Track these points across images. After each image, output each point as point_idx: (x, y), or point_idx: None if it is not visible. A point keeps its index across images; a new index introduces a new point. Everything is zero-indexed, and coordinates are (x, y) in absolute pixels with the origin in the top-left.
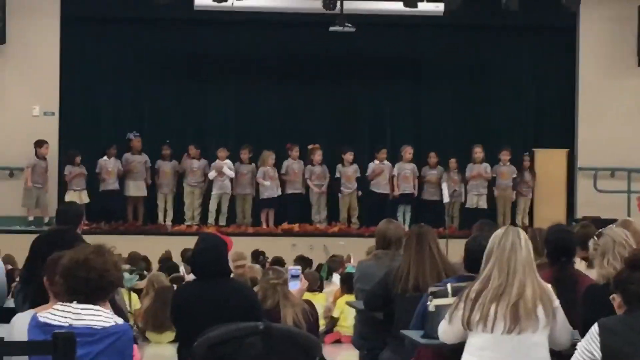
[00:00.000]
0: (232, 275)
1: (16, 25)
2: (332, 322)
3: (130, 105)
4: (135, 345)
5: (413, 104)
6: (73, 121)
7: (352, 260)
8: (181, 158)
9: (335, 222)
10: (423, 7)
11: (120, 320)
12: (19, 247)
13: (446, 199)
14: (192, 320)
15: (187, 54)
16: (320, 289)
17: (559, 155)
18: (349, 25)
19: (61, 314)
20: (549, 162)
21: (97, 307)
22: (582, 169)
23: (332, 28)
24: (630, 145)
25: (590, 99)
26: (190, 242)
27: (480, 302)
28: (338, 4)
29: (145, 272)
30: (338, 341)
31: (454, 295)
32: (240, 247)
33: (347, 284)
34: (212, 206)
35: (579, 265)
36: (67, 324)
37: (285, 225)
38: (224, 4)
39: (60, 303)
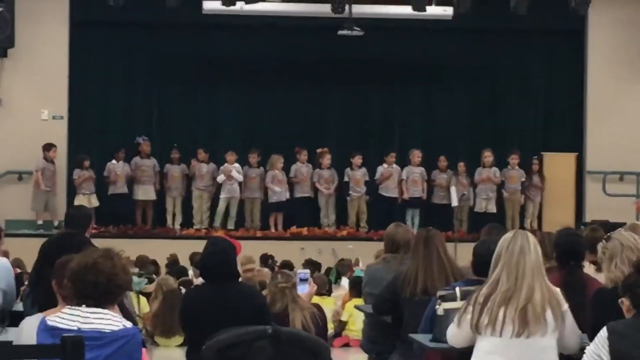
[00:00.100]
0: (240, 279)
1: (25, 30)
2: (341, 325)
3: (139, 109)
4: (143, 349)
5: (422, 108)
6: (82, 125)
7: (360, 264)
8: (190, 162)
9: (344, 225)
10: (432, 11)
11: (128, 324)
12: (28, 250)
13: (455, 202)
14: (201, 324)
15: (196, 58)
16: (329, 292)
17: (568, 159)
18: (358, 29)
19: (70, 318)
20: (558, 165)
21: (106, 311)
22: (590, 173)
23: (340, 32)
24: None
25: (599, 103)
26: (199, 245)
27: (488, 306)
28: (347, 7)
29: (153, 276)
30: (347, 345)
31: (462, 299)
32: (249, 250)
33: (356, 288)
34: (220, 209)
35: (588, 268)
36: (75, 328)
37: (293, 229)
38: (232, 8)
39: (69, 307)
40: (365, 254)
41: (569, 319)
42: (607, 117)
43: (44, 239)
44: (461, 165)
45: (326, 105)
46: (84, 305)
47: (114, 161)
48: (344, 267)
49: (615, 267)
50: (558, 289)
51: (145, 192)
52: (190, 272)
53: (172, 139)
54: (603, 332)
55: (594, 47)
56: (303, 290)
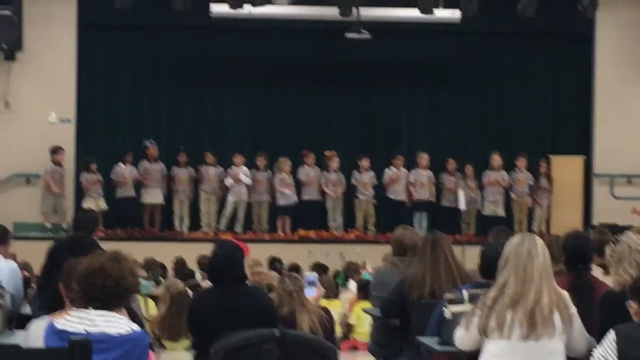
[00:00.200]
0: (248, 282)
1: (33, 33)
2: (349, 329)
3: (147, 112)
4: (151, 352)
5: (429, 110)
6: (89, 128)
7: (368, 267)
8: (197, 165)
9: (352, 229)
10: (439, 13)
11: (136, 327)
12: (36, 253)
13: (462, 205)
14: (209, 327)
15: (204, 61)
16: (336, 295)
17: (576, 162)
18: (365, 32)
19: (77, 321)
20: (566, 168)
21: (113, 314)
22: (598, 176)
23: (348, 35)
24: None
25: (606, 106)
26: (206, 248)
27: (496, 309)
28: (354, 10)
29: (161, 279)
30: (354, 348)
31: (470, 302)
32: (257, 254)
33: (364, 291)
34: (227, 212)
35: (596, 272)
36: (83, 331)
37: (301, 232)
38: (240, 11)
39: (77, 309)
40: (372, 257)
41: (577, 322)
42: (615, 120)
43: (51, 242)
44: (469, 168)
45: (333, 108)
46: (91, 308)
47: (121, 164)
48: (351, 270)
49: (623, 270)
50: (566, 292)
51: (153, 196)
52: (198, 275)
53: (179, 142)
54: (611, 335)
55: (601, 49)
56: (311, 293)
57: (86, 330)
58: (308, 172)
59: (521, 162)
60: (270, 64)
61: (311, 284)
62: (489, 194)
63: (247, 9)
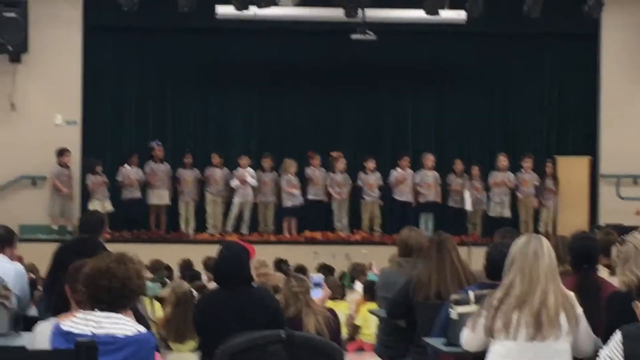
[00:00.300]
0: (254, 284)
1: (38, 35)
2: (355, 330)
3: (152, 114)
4: (157, 354)
5: (435, 112)
6: (95, 130)
7: (374, 268)
8: (203, 166)
9: (358, 230)
10: (445, 14)
11: (142, 329)
12: (42, 255)
13: (468, 206)
14: (215, 329)
15: (209, 62)
16: (342, 297)
17: (582, 163)
18: (371, 33)
19: (83, 323)
20: (572, 169)
21: (120, 316)
22: (604, 176)
23: (353, 36)
24: None
25: (612, 106)
26: (212, 250)
27: (502, 309)
28: (360, 12)
29: (167, 280)
30: (360, 349)
31: (476, 302)
32: (263, 255)
33: (370, 292)
34: (233, 213)
35: (602, 272)
36: (89, 332)
37: (307, 234)
38: (245, 12)
39: (83, 311)
40: (379, 258)
41: (583, 322)
42: (621, 121)
43: (57, 244)
44: (475, 169)
45: (339, 110)
46: (97, 310)
47: (127, 166)
48: (357, 271)
49: (629, 270)
50: (572, 293)
51: (160, 197)
52: (204, 277)
53: (185, 143)
54: (617, 336)
55: (607, 50)
56: (317, 294)
57: (92, 332)
58: (314, 171)
59: (527, 163)
60: (275, 66)
61: (317, 285)
62: (495, 195)
63: (253, 11)
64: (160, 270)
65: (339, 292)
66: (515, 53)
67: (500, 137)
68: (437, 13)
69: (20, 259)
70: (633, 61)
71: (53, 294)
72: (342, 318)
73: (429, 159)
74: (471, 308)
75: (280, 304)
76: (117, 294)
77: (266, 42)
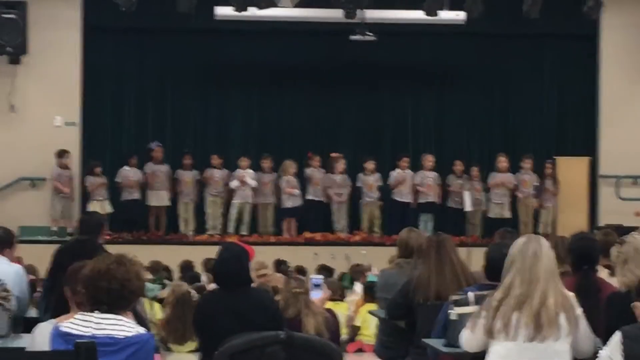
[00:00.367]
0: (254, 285)
1: (38, 36)
2: (354, 331)
3: (152, 115)
4: (156, 355)
5: (434, 112)
6: (95, 131)
7: (373, 269)
8: (202, 167)
9: (357, 231)
10: (444, 15)
11: (142, 330)
12: (41, 257)
13: (468, 207)
14: (214, 330)
15: (208, 63)
16: (342, 298)
17: (581, 163)
18: (370, 34)
19: (83, 324)
20: (571, 170)
21: (119, 317)
22: (604, 177)
23: (352, 37)
24: None
25: (612, 107)
26: (212, 251)
27: (502, 310)
28: (359, 13)
29: (166, 281)
30: (360, 350)
31: (475, 303)
32: (262, 256)
33: (369, 293)
34: (232, 215)
35: (602, 273)
36: (89, 334)
37: (307, 234)
38: (244, 13)
39: (82, 313)
40: (378, 259)
41: (583, 323)
42: (621, 121)
43: (57, 246)
44: (474, 170)
45: (338, 111)
46: (97, 311)
47: (126, 167)
48: (357, 272)
49: (628, 271)
50: (572, 293)
51: (159, 198)
52: (204, 278)
53: (184, 144)
54: (616, 336)
55: (606, 51)
56: (316, 295)
57: (92, 333)
58: (313, 172)
59: (527, 164)
60: (275, 67)
61: (317, 286)
62: (494, 196)
63: (251, 11)
64: (159, 271)
65: (338, 293)
66: (514, 54)
67: (500, 138)
68: (436, 14)
69: (19, 261)
70: (632, 61)
71: (52, 295)
72: (342, 319)
73: (429, 160)
74: (471, 309)
75: (279, 305)
76: (116, 295)
77: (266, 43)
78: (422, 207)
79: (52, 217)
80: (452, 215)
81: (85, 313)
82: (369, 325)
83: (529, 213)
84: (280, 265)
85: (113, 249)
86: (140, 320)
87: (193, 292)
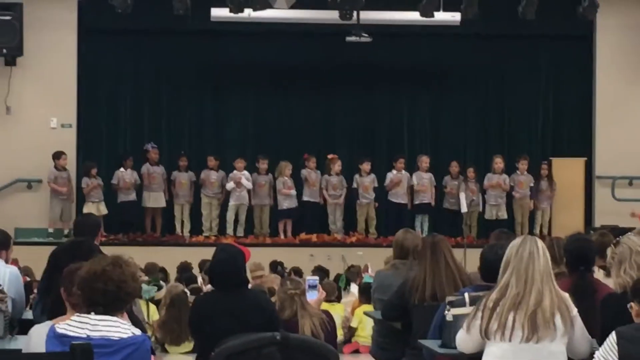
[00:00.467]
0: (250, 286)
1: (33, 38)
2: (351, 332)
3: (148, 117)
4: (152, 356)
5: (430, 113)
6: (91, 133)
7: (369, 270)
8: (198, 169)
9: (353, 232)
10: (439, 16)
11: (137, 331)
12: (37, 258)
13: (464, 208)
14: (210, 331)
15: (205, 65)
16: (338, 299)
17: (577, 164)
18: (366, 35)
19: (79, 325)
20: (567, 170)
21: (115, 318)
22: (600, 178)
23: (348, 38)
24: None
25: (607, 107)
26: (208, 253)
27: (498, 311)
28: (355, 14)
29: (162, 283)
30: (356, 351)
31: (471, 304)
32: (259, 257)
33: (365, 294)
34: (230, 217)
35: (597, 273)
36: (84, 335)
37: (303, 236)
38: (240, 15)
39: (78, 314)
40: (374, 260)
41: (579, 324)
42: (616, 122)
43: (53, 247)
44: (470, 171)
45: (334, 112)
46: (93, 313)
47: (122, 169)
48: (353, 273)
49: (624, 272)
50: (567, 294)
51: (156, 200)
52: (200, 279)
53: (181, 146)
54: (612, 337)
55: (602, 51)
56: (312, 296)
57: (87, 335)
58: (309, 173)
59: (522, 165)
60: (271, 68)
61: (312, 287)
62: (490, 197)
63: (247, 13)
64: (155, 273)
65: (334, 295)
66: (510, 55)
67: (496, 139)
68: (432, 15)
69: (15, 262)
70: (628, 62)
71: (48, 297)
72: (338, 320)
73: (424, 161)
74: (466, 310)
75: (275, 306)
76: (112, 296)
77: (262, 45)
78: (418, 208)
79: (51, 219)
80: (448, 217)
81: (81, 314)
82: (365, 327)
83: (525, 214)
84: (276, 267)
85: (109, 251)
86: (136, 321)
87: (189, 293)
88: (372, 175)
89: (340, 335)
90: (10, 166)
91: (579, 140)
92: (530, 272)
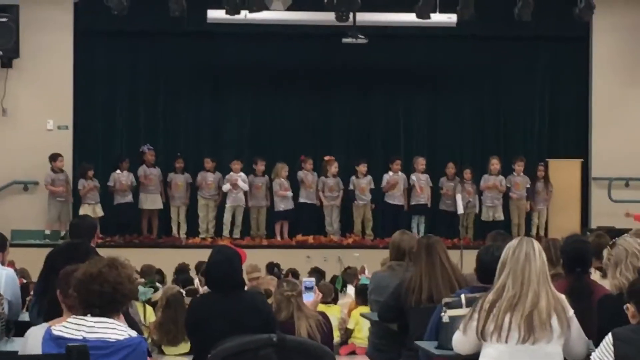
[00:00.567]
0: (246, 288)
1: (30, 40)
2: (347, 333)
3: (144, 118)
4: (149, 358)
5: (427, 115)
6: (87, 135)
7: (366, 272)
8: (195, 170)
9: (350, 233)
10: (436, 18)
11: (134, 333)
12: (34, 260)
13: (460, 210)
14: (207, 333)
15: (200, 66)
16: (334, 300)
17: (573, 165)
18: (362, 36)
19: (75, 327)
20: (563, 172)
21: (111, 320)
22: (596, 179)
23: (344, 40)
24: None
25: (604, 109)
26: (204, 254)
27: (494, 312)
28: (351, 15)
29: (158, 285)
30: (353, 353)
31: (467, 306)
32: (255, 259)
33: (362, 296)
34: (226, 219)
35: (594, 275)
36: (80, 337)
37: (299, 237)
38: (236, 16)
39: (74, 316)
40: (371, 262)
41: (575, 325)
42: (613, 123)
43: (50, 249)
44: (467, 172)
45: (331, 113)
46: (89, 315)
47: (118, 171)
48: (349, 275)
49: (620, 273)
50: (563, 296)
51: (153, 201)
52: (196, 281)
53: (177, 147)
54: (608, 338)
55: (598, 53)
56: (308, 298)
57: (84, 337)
58: (306, 175)
59: (519, 166)
60: (267, 70)
61: (309, 289)
62: (487, 198)
63: (244, 14)
64: (151, 275)
65: (331, 296)
66: (506, 56)
67: (492, 140)
68: (428, 16)
69: (12, 264)
70: (624, 63)
71: (45, 299)
72: (335, 322)
73: (421, 163)
74: (463, 311)
75: (272, 307)
76: (108, 298)
77: (258, 46)
78: (415, 210)
79: (49, 221)
80: (444, 218)
81: (78, 316)
82: (362, 328)
83: (521, 215)
84: (272, 268)
85: (105, 253)
86: (132, 323)
87: (185, 294)
88: (369, 177)
89: (336, 336)
90: (6, 168)
91: (576, 141)
92: (527, 273)
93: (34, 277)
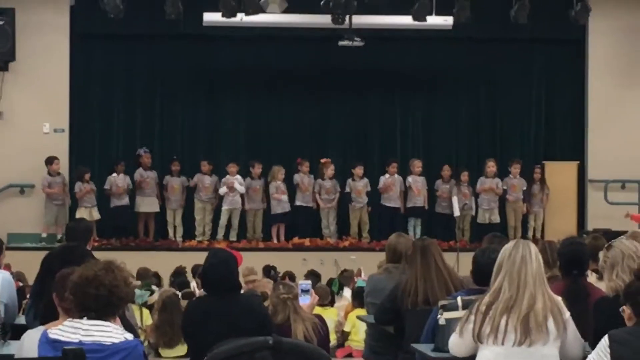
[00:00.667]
0: (242, 290)
1: (26, 43)
2: (344, 336)
3: (140, 121)
4: None
5: (423, 117)
6: (83, 138)
7: (362, 275)
8: (191, 173)
9: (346, 236)
10: (432, 20)
11: (130, 336)
12: (30, 264)
13: (456, 212)
14: (203, 336)
15: (197, 69)
16: (331, 303)
17: (570, 168)
18: (358, 39)
19: (71, 330)
20: (560, 174)
21: (107, 323)
22: (592, 181)
23: (341, 43)
24: None
25: (600, 111)
26: (201, 257)
27: (490, 314)
28: (347, 18)
29: (154, 288)
30: (349, 355)
31: (464, 308)
32: (251, 262)
33: (358, 298)
34: (223, 221)
35: (590, 277)
36: (77, 340)
37: (296, 240)
38: (232, 19)
39: (70, 319)
40: (367, 265)
41: (571, 327)
42: (609, 125)
43: (46, 252)
44: (463, 175)
45: (327, 116)
46: (85, 318)
47: (114, 174)
48: (346, 277)
49: (616, 275)
50: (560, 298)
51: (150, 204)
52: (193, 284)
53: (173, 150)
54: (604, 340)
55: (594, 55)
56: (305, 301)
57: (80, 340)
58: (302, 178)
59: (515, 169)
60: (263, 72)
61: (305, 291)
62: (483, 201)
63: (240, 17)
64: (148, 277)
65: (327, 299)
66: (502, 59)
67: (488, 143)
68: (424, 19)
69: (8, 268)
70: (620, 66)
71: (41, 302)
72: (331, 324)
73: (417, 165)
74: (459, 314)
75: (268, 310)
76: (104, 301)
77: (254, 49)
78: (411, 212)
79: (45, 224)
80: (440, 220)
81: (74, 319)
82: (358, 331)
83: (518, 218)
84: (269, 271)
85: (102, 256)
86: (128, 326)
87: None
88: (365, 180)
89: (333, 339)
90: (3, 171)
91: (572, 143)
92: (523, 275)
93: (31, 280)
